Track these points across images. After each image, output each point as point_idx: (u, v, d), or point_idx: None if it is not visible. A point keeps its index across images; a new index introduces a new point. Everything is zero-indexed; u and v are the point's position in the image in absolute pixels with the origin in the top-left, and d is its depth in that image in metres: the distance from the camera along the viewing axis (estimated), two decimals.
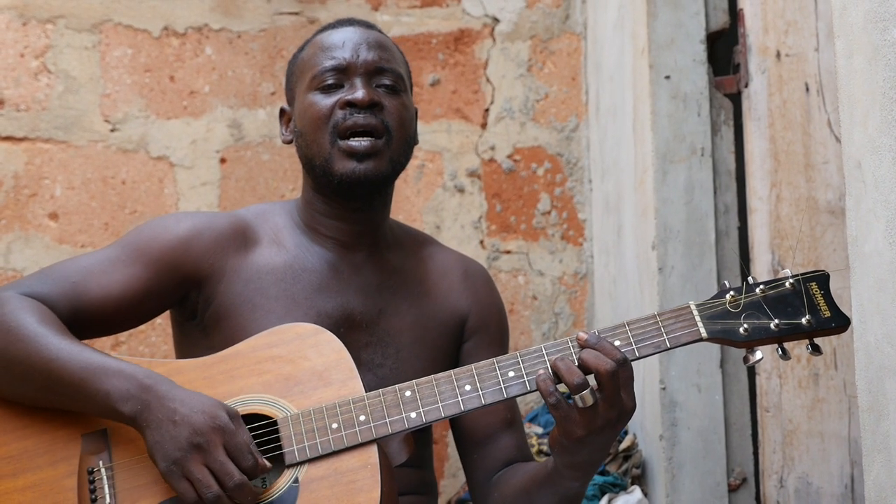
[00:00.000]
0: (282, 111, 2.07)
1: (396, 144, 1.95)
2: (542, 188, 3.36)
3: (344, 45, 1.98)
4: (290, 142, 2.03)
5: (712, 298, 1.71)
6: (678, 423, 2.64)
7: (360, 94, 1.92)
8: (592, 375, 1.64)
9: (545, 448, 2.86)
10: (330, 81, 1.95)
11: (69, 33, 3.25)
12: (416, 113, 2.07)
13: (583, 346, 1.66)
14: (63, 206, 3.19)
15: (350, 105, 1.92)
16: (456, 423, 2.02)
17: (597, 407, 1.63)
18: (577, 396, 1.62)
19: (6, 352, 1.73)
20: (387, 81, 1.97)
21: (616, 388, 1.63)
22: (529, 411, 3.19)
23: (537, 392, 1.66)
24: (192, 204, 3.22)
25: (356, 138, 1.92)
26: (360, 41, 1.98)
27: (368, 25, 2.05)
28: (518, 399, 3.24)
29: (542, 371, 1.65)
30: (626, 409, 1.65)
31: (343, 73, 1.96)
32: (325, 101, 1.94)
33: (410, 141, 2.00)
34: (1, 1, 3.22)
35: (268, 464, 1.66)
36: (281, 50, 3.33)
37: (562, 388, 1.65)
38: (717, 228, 2.72)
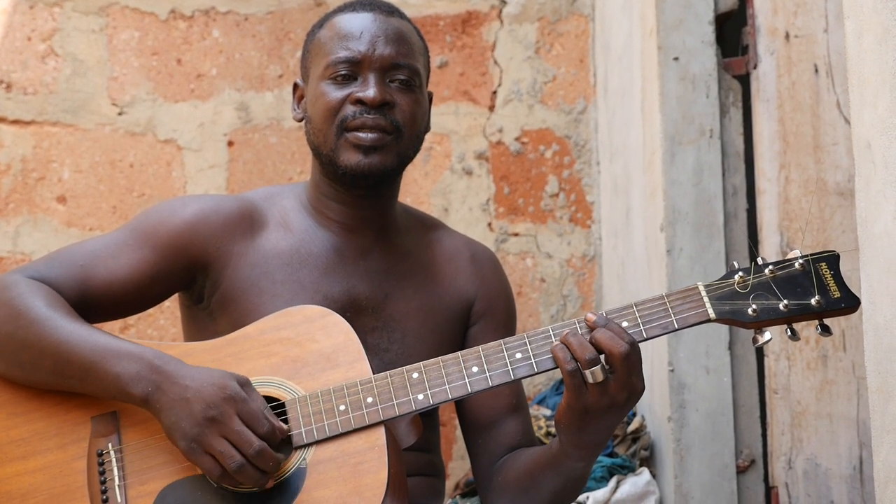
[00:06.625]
0: (295, 86, 2.04)
1: (406, 141, 1.94)
2: (550, 170, 3.35)
3: (361, 35, 1.93)
4: (300, 120, 2.02)
5: (721, 279, 1.70)
6: (686, 406, 2.64)
7: (371, 92, 1.90)
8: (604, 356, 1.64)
9: (553, 430, 2.87)
10: (343, 72, 1.92)
11: (76, 16, 3.24)
12: (431, 98, 2.06)
13: (592, 327, 1.65)
14: (71, 190, 3.19)
15: (360, 103, 1.90)
16: (461, 407, 2.02)
17: (608, 384, 1.63)
18: (587, 371, 1.62)
19: (15, 335, 1.73)
20: (402, 77, 1.94)
21: (628, 370, 1.63)
22: (538, 393, 3.19)
23: (544, 374, 1.66)
24: (200, 187, 3.22)
25: (364, 131, 1.90)
26: (378, 32, 1.94)
27: (389, 11, 2.00)
28: (527, 382, 3.26)
29: (557, 342, 1.65)
30: (635, 391, 1.66)
31: (357, 65, 1.92)
32: (335, 94, 1.92)
33: (421, 134, 1.99)
34: None
35: (284, 426, 1.66)
36: (288, 32, 3.32)
37: None
38: (726, 210, 2.71)
